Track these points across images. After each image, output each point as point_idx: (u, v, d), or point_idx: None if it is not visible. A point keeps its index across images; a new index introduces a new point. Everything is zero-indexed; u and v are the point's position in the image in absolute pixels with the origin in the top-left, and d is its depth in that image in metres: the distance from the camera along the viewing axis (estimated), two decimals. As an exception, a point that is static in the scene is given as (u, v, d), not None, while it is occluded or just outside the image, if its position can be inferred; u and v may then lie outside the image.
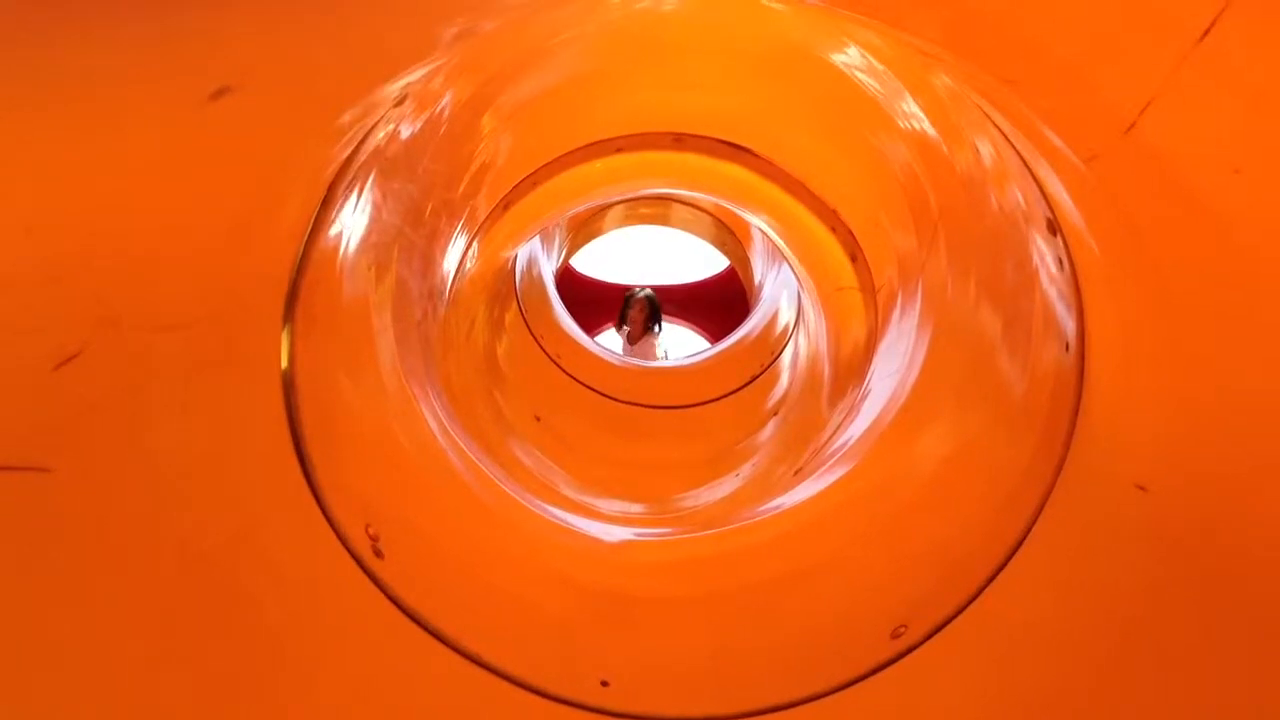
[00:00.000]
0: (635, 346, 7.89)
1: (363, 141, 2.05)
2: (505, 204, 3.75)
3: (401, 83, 1.99)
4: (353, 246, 2.24)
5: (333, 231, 2.08)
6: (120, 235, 1.37)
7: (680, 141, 3.90)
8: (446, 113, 2.63)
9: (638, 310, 8.04)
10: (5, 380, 1.24)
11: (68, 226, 1.27)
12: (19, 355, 1.24)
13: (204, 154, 1.42)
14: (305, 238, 1.98)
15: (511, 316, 5.79)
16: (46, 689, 1.31)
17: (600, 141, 3.83)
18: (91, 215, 1.30)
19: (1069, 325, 1.92)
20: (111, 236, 1.36)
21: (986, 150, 2.21)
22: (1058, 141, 1.65)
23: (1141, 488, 1.62)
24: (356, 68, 1.65)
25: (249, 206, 1.71)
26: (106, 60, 1.10)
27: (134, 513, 1.46)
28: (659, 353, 7.95)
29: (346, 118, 1.82)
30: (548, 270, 6.92)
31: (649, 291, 8.21)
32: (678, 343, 8.79)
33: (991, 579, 1.95)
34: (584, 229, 7.89)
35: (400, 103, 2.13)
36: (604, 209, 7.52)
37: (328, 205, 2.01)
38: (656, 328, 8.03)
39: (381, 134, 2.14)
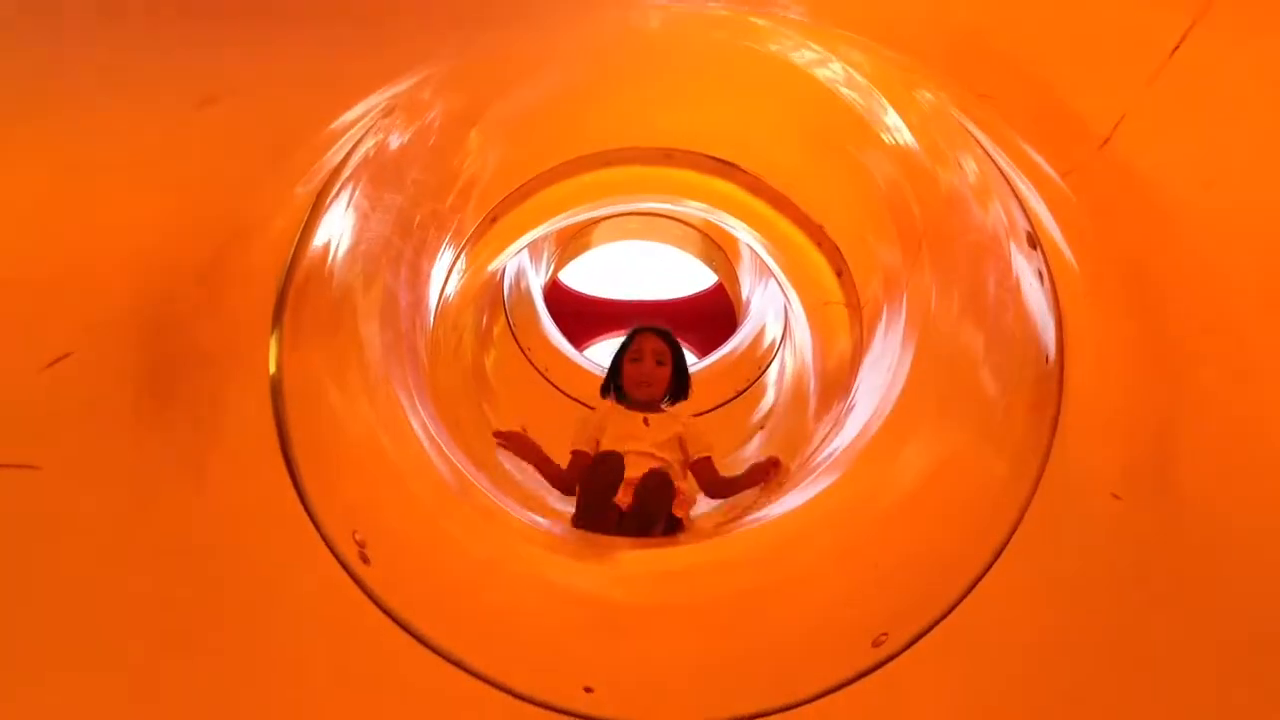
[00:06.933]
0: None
1: (351, 151, 2.07)
2: (493, 216, 3.76)
3: (390, 93, 2.01)
4: (341, 255, 2.25)
5: (321, 240, 2.10)
6: (111, 239, 1.39)
7: (669, 157, 3.91)
8: (435, 124, 2.65)
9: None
10: (-4, 379, 1.26)
11: (60, 230, 1.29)
12: (10, 354, 1.26)
13: (193, 161, 1.44)
14: (294, 245, 2.00)
15: (500, 329, 5.80)
16: (30, 687, 1.31)
17: (589, 155, 3.85)
18: (83, 220, 1.32)
19: (1049, 337, 1.95)
20: (102, 240, 1.37)
21: (969, 166, 2.24)
22: (1036, 156, 1.68)
23: (1116, 496, 1.64)
24: (345, 78, 1.67)
25: (238, 213, 1.73)
26: (95, 69, 1.12)
27: (120, 513, 1.47)
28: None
29: (334, 127, 1.84)
30: (536, 283, 6.93)
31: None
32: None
33: (972, 588, 1.96)
34: (572, 243, 7.89)
35: (389, 113, 2.15)
36: (592, 223, 7.51)
37: (316, 213, 2.03)
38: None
39: (370, 144, 2.16)
